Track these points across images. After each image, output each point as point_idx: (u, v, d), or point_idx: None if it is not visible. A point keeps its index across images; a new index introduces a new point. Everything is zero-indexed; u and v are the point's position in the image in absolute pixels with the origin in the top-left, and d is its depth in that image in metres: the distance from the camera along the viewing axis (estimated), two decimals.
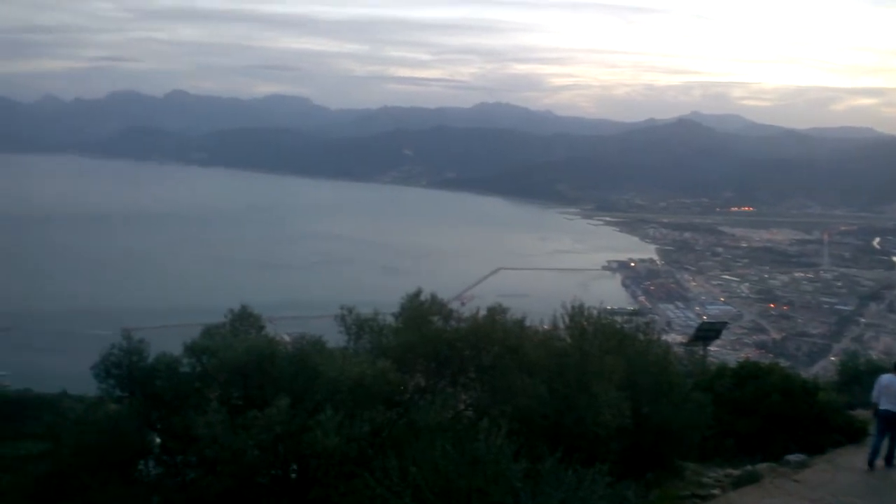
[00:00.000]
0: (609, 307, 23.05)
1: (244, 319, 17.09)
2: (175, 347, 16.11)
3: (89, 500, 13.98)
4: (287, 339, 16.76)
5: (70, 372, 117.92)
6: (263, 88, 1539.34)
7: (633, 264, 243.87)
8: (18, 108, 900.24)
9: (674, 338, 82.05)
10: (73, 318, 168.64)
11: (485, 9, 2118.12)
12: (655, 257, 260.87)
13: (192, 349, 15.42)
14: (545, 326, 19.94)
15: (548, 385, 16.68)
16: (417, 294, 16.85)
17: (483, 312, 16.83)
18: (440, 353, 16.49)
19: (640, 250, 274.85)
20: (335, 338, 17.29)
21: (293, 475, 14.94)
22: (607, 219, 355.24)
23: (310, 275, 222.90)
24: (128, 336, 15.27)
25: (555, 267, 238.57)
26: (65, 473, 14.29)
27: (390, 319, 17.17)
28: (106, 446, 13.99)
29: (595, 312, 18.97)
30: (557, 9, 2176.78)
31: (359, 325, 16.85)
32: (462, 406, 17.14)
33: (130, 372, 15.07)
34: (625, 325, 19.89)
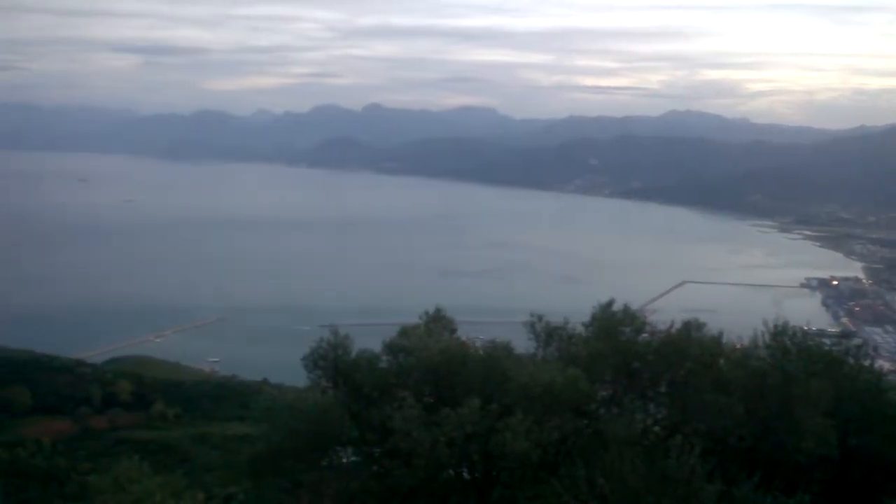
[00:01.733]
0: (813, 328, 21.57)
1: (438, 321, 17.76)
2: (368, 345, 17.04)
3: (296, 479, 15.14)
4: (478, 342, 17.21)
5: (271, 362, 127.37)
6: (453, 100, 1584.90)
7: (835, 283, 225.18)
8: (235, 122, 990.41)
9: (882, 365, 74.92)
10: (276, 314, 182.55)
11: (675, 14, 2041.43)
12: (862, 276, 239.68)
13: (390, 347, 16.27)
14: (741, 344, 18.99)
15: (745, 406, 15.87)
16: (609, 304, 16.70)
17: (678, 326, 16.37)
18: (631, 364, 16.24)
19: (844, 268, 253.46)
20: (521, 344, 17.51)
21: (479, 475, 15.31)
22: (806, 232, 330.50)
23: (491, 282, 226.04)
24: (335, 331, 16.38)
25: (745, 282, 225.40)
26: (276, 454, 15.55)
27: (579, 328, 17.12)
28: (312, 432, 15.09)
29: (799, 332, 17.79)
30: (754, 11, 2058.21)
31: (548, 333, 16.98)
32: (651, 421, 16.74)
33: (335, 365, 16.16)
34: (833, 348, 18.48)
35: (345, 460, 16.48)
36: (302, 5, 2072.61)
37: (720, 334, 17.26)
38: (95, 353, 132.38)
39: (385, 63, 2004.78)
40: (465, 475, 15.60)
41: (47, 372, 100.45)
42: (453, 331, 17.81)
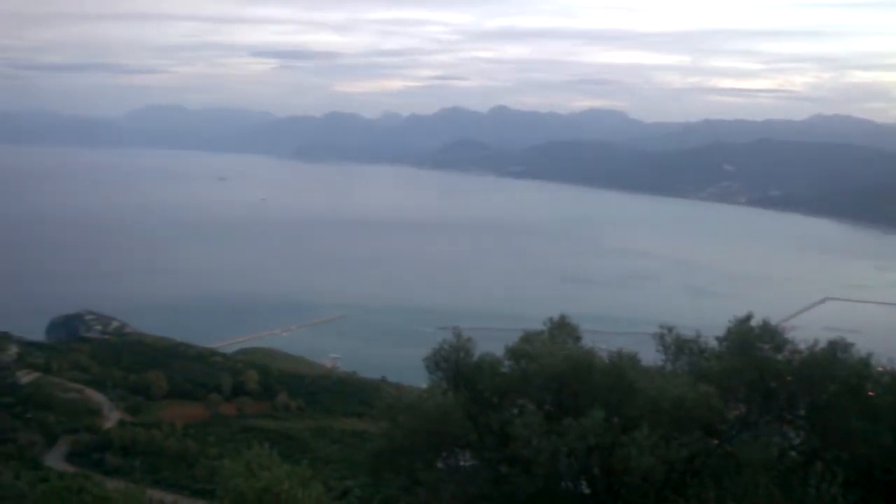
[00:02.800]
0: None
1: (562, 328, 17.38)
2: (490, 349, 16.90)
3: (415, 478, 15.21)
4: (603, 351, 16.70)
5: (390, 361, 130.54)
6: (581, 103, 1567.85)
7: None
8: (363, 124, 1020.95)
9: None
10: (397, 313, 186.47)
11: (821, 12, 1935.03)
12: None
13: (512, 352, 16.04)
14: (891, 368, 17.51)
15: (894, 435, 14.65)
16: (747, 318, 15.77)
17: (821, 345, 15.27)
18: (767, 383, 15.29)
19: None
20: (649, 356, 16.90)
21: (600, 489, 14.86)
22: None
23: (616, 290, 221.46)
24: (457, 333, 16.34)
25: (893, 301, 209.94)
26: (395, 452, 15.68)
27: (712, 342, 16.31)
28: (432, 433, 15.11)
29: None
30: None
31: (678, 346, 16.24)
32: (788, 445, 15.72)
33: (457, 367, 16.11)
34: None
35: (462, 463, 16.44)
36: (431, 9, 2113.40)
37: (868, 356, 15.99)
38: (227, 343, 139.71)
39: (512, 65, 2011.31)
40: (585, 488, 15.18)
41: (183, 359, 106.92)
42: (578, 339, 17.37)
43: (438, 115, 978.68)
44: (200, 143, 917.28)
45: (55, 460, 71.55)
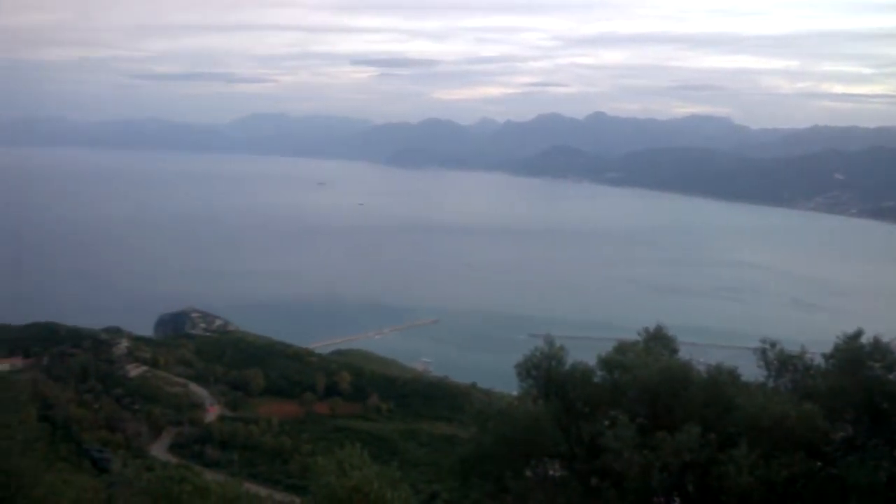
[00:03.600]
0: None
1: (658, 339, 16.95)
2: (582, 358, 16.60)
3: (503, 486, 15.12)
4: (700, 365, 16.18)
5: (481, 367, 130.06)
6: (682, 109, 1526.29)
7: None
8: (460, 130, 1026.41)
9: None
10: (488, 320, 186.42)
11: None
12: None
13: (605, 362, 15.74)
14: None
15: None
16: (856, 335, 14.95)
17: None
18: (877, 404, 14.46)
19: None
20: (749, 372, 16.28)
21: None
22: None
23: (716, 302, 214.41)
24: (549, 342, 16.16)
25: None
26: (484, 458, 15.64)
27: (818, 359, 15.55)
28: (522, 440, 14.99)
29: None
30: None
31: (781, 362, 15.55)
32: None
33: (548, 375, 15.93)
34: None
35: (551, 473, 16.24)
36: (529, 15, 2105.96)
37: None
38: (322, 344, 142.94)
39: (611, 71, 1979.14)
40: None
41: (281, 358, 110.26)
42: (674, 351, 16.89)
43: (535, 122, 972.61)
44: (301, 150, 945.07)
45: (159, 450, 75.15)
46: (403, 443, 78.07)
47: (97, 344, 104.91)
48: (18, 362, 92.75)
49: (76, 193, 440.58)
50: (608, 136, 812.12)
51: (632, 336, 17.70)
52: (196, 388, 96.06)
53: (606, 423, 14.72)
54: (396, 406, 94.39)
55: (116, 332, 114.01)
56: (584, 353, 16.87)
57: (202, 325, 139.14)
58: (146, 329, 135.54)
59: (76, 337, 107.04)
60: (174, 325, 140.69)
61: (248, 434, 78.11)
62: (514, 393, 16.87)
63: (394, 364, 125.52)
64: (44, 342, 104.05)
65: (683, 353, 17.22)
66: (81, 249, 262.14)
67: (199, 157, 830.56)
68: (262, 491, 55.80)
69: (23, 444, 10.33)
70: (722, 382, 14.81)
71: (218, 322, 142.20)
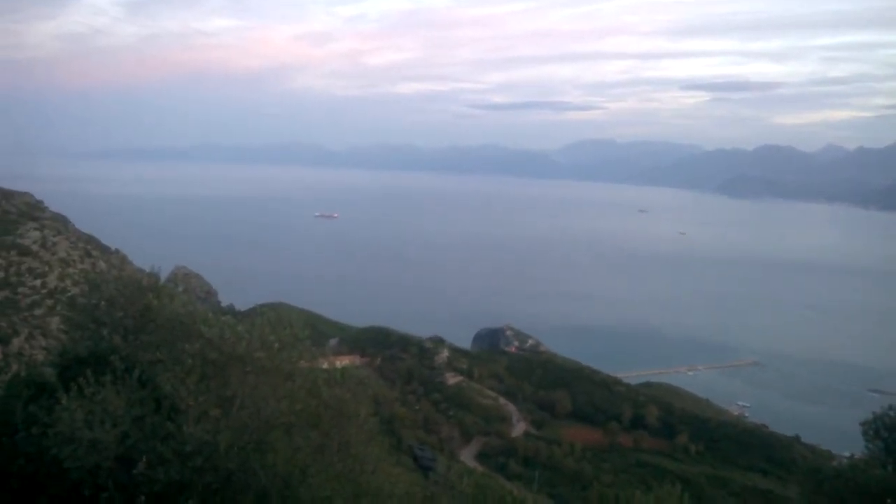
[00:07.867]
0: None
1: None
2: None
3: None
4: None
5: (806, 419, 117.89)
6: None
7: None
8: (800, 158, 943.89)
9: None
10: (819, 367, 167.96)
11: None
12: None
13: None
14: None
15: None
16: None
17: None
18: None
19: None
20: None
21: None
22: None
23: None
24: None
25: None
26: None
27: None
28: None
29: None
30: None
31: None
32: None
33: None
34: None
35: None
36: (885, 29, 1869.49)
37: None
38: (631, 374, 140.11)
39: None
40: None
41: (588, 383, 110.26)
42: None
43: (892, 149, 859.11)
44: (627, 177, 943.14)
45: (467, 457, 79.68)
46: (711, 489, 73.49)
47: (422, 351, 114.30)
48: (357, 359, 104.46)
49: (432, 212, 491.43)
50: None
51: None
52: (505, 403, 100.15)
53: None
54: (706, 449, 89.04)
55: (439, 341, 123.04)
56: None
57: (515, 342, 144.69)
58: (465, 342, 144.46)
59: (405, 343, 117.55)
60: (490, 340, 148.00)
61: (550, 454, 79.44)
62: (847, 454, 15.11)
63: (706, 404, 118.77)
64: (378, 344, 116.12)
65: None
66: (429, 262, 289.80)
67: (530, 182, 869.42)
68: None
69: (367, 433, 11.55)
70: None
71: (530, 341, 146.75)
